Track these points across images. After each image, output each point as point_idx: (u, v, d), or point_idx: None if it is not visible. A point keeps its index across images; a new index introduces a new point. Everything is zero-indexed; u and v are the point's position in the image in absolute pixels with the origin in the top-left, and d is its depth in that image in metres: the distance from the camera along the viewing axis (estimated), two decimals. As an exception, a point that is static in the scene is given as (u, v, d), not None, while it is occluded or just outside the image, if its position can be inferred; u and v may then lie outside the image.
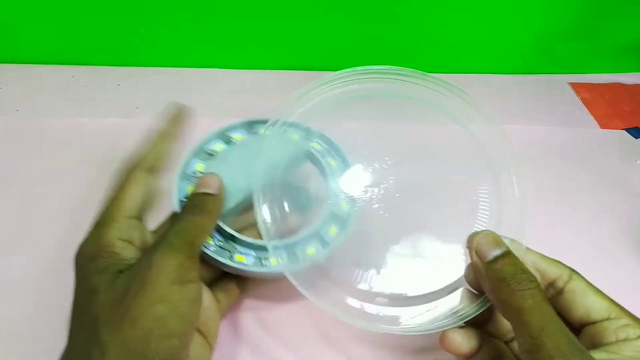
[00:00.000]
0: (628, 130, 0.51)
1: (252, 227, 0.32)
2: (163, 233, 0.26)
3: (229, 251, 0.31)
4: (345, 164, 0.35)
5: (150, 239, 0.28)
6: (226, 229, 0.31)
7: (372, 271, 0.32)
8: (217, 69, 0.56)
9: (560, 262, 0.27)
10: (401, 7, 0.52)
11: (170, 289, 0.23)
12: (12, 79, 0.53)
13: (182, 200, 0.31)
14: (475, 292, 0.28)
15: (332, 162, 0.35)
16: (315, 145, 0.35)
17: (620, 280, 0.37)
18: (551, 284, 0.26)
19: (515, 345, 0.28)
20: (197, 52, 0.56)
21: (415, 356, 0.32)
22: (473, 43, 0.56)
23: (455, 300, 0.28)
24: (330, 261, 0.31)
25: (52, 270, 0.34)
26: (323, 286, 0.31)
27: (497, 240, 0.26)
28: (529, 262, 0.27)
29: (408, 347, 0.32)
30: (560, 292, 0.26)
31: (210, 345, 0.28)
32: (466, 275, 0.28)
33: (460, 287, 0.29)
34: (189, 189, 0.31)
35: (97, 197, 0.30)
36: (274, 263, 0.30)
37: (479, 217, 0.32)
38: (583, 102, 0.55)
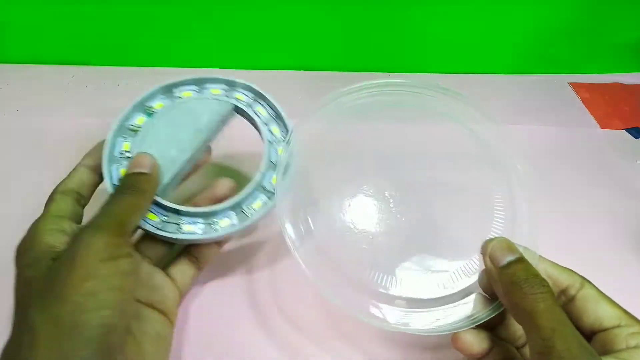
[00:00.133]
0: (628, 130, 0.51)
1: (195, 195, 0.34)
2: (93, 216, 0.26)
3: (177, 224, 0.31)
4: (275, 112, 0.35)
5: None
6: (168, 205, 0.31)
7: (390, 274, 0.32)
8: (217, 68, 0.56)
9: (572, 271, 0.27)
10: (401, 7, 0.52)
11: (98, 266, 0.23)
12: (12, 79, 0.53)
13: (115, 185, 0.31)
14: (488, 297, 0.29)
15: (261, 110, 0.35)
16: (240, 97, 0.35)
17: (620, 280, 0.37)
18: (563, 292, 0.27)
19: (526, 351, 0.28)
20: (196, 52, 0.56)
21: (425, 354, 0.32)
22: (473, 43, 0.56)
23: (469, 304, 0.29)
24: (349, 263, 0.31)
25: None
26: (342, 286, 0.31)
27: (511, 247, 0.27)
28: (541, 269, 0.27)
29: (419, 345, 0.33)
30: (572, 299, 0.26)
31: (171, 322, 0.30)
32: (480, 281, 0.29)
33: (474, 292, 0.30)
34: (121, 171, 0.31)
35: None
36: (226, 225, 0.31)
37: (494, 224, 0.32)
38: (583, 102, 0.55)
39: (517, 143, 0.33)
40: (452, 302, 0.30)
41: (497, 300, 0.28)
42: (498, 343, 0.28)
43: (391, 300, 0.31)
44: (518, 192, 0.32)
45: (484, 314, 0.28)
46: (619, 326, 0.24)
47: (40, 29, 0.53)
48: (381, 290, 0.31)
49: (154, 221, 0.31)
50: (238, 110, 0.35)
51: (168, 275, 0.32)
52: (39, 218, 0.28)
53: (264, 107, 0.35)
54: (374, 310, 0.30)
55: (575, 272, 0.27)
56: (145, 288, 0.30)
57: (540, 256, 0.28)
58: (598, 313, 0.25)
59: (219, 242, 0.34)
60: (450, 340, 0.28)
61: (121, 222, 0.26)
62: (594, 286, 0.26)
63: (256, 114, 0.34)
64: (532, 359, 0.23)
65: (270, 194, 0.32)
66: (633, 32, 0.56)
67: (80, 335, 0.21)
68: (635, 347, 0.23)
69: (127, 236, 0.26)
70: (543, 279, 0.25)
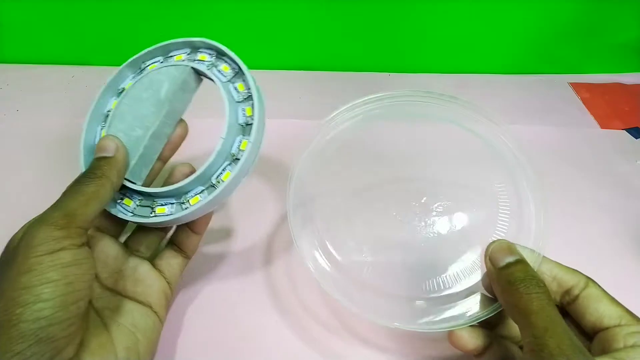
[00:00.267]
0: (628, 130, 0.51)
1: (169, 175, 0.33)
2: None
3: (150, 207, 0.30)
4: (239, 68, 0.31)
5: None
6: (135, 188, 0.30)
7: (393, 272, 0.33)
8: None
9: (577, 271, 0.27)
10: (402, 7, 0.52)
11: (36, 260, 0.23)
12: (12, 79, 0.53)
13: None
14: (490, 296, 0.29)
15: (224, 67, 0.32)
16: (203, 57, 0.32)
17: (620, 280, 0.37)
18: (567, 292, 0.27)
19: None
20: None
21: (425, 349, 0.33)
22: (473, 43, 0.56)
23: (471, 303, 0.29)
24: (349, 262, 0.32)
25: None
26: (344, 283, 0.31)
27: (511, 249, 0.27)
28: (546, 270, 0.28)
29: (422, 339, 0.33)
30: (575, 299, 0.26)
31: (156, 314, 0.30)
32: (483, 281, 0.29)
33: (477, 291, 0.30)
34: None
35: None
36: (195, 202, 0.29)
37: (499, 224, 0.32)
38: (583, 102, 0.55)
39: (524, 143, 0.33)
40: (455, 301, 0.30)
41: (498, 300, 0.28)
42: (499, 341, 0.28)
43: (392, 296, 0.31)
44: (525, 191, 0.32)
45: (481, 313, 0.28)
46: (619, 325, 0.24)
47: (40, 29, 0.53)
48: (382, 285, 0.31)
49: (129, 206, 0.30)
50: (199, 72, 0.32)
51: (156, 267, 0.32)
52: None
53: (229, 63, 0.32)
54: (374, 305, 0.31)
55: (580, 272, 0.27)
56: (128, 280, 0.30)
57: (544, 257, 0.28)
58: (599, 312, 0.25)
59: (193, 226, 0.32)
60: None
61: (69, 213, 0.25)
62: (598, 286, 0.27)
63: (220, 72, 0.31)
64: (525, 357, 0.23)
65: (238, 162, 0.29)
66: (633, 32, 0.56)
67: (14, 330, 0.21)
68: (633, 346, 0.23)
69: (76, 227, 0.25)
70: (540, 280, 0.25)
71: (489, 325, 0.29)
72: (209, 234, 0.35)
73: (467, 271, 0.32)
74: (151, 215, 0.29)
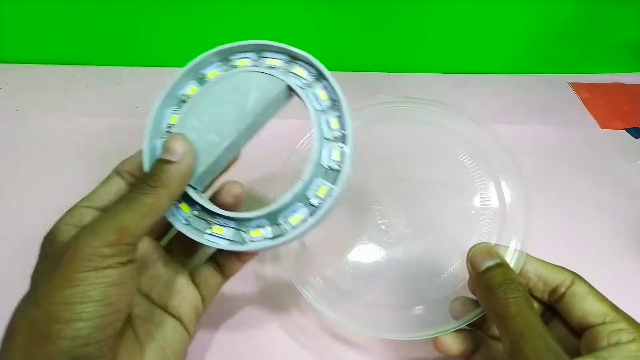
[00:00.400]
0: (628, 130, 0.51)
1: (218, 190, 0.30)
2: (96, 216, 0.25)
3: (206, 221, 0.27)
4: (335, 99, 0.27)
5: None
6: (197, 200, 0.27)
7: (377, 279, 0.33)
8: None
9: (564, 268, 0.27)
10: (402, 7, 0.52)
11: (81, 276, 0.22)
12: (12, 79, 0.53)
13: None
14: (476, 299, 0.29)
15: (322, 93, 0.27)
16: (300, 72, 0.28)
17: (619, 280, 0.37)
18: (554, 290, 0.27)
19: None
20: (197, 52, 0.56)
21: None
22: (473, 43, 0.56)
23: (456, 307, 0.29)
24: (331, 267, 0.31)
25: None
26: (328, 293, 0.32)
27: (491, 252, 0.27)
28: (531, 269, 0.27)
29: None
30: (562, 297, 0.26)
31: (186, 329, 0.28)
32: (468, 284, 0.29)
33: (462, 295, 0.30)
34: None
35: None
36: (256, 235, 0.26)
37: (483, 225, 0.32)
38: (583, 102, 0.55)
39: (502, 144, 0.33)
40: (441, 305, 0.30)
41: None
42: (487, 342, 0.29)
43: (376, 305, 0.32)
44: (508, 190, 0.32)
45: (466, 318, 0.28)
46: (603, 323, 0.24)
47: (40, 29, 0.53)
48: (365, 295, 0.32)
49: (185, 213, 0.27)
50: (292, 90, 0.28)
51: (193, 279, 0.30)
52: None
53: (327, 90, 0.27)
54: (357, 315, 0.31)
55: (567, 270, 0.27)
56: (165, 289, 0.28)
57: (529, 256, 0.28)
58: (584, 310, 0.25)
59: (242, 256, 0.30)
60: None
61: (122, 228, 0.23)
62: (585, 283, 0.26)
63: (316, 98, 0.27)
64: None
65: (313, 209, 0.26)
66: (633, 32, 0.56)
67: (53, 346, 0.21)
68: (616, 344, 0.23)
69: (126, 243, 0.23)
70: (519, 283, 0.25)
71: (478, 327, 0.29)
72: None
73: (451, 275, 0.32)
74: (204, 231, 0.27)
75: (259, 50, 0.29)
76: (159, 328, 0.27)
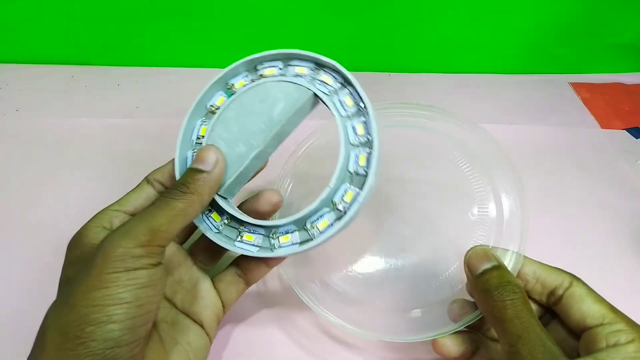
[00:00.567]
0: (628, 130, 0.51)
1: (255, 198, 0.30)
2: (130, 218, 0.25)
3: (237, 230, 0.28)
4: (360, 105, 0.27)
5: None
6: (228, 210, 0.28)
7: (376, 282, 0.33)
8: (218, 68, 0.56)
9: (562, 270, 0.27)
10: (402, 7, 0.52)
11: (112, 277, 0.22)
12: (12, 79, 0.53)
13: None
14: (474, 301, 0.29)
15: (348, 100, 0.28)
16: (326, 79, 0.28)
17: (619, 281, 0.37)
18: (552, 292, 0.27)
19: None
20: (197, 52, 0.56)
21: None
22: (473, 43, 0.56)
23: (454, 310, 0.29)
24: (331, 271, 0.31)
25: (51, 269, 0.34)
26: (327, 297, 0.32)
27: (488, 255, 0.27)
28: (528, 271, 0.27)
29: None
30: (560, 299, 0.26)
31: (207, 334, 0.29)
32: (466, 287, 0.29)
33: (460, 297, 0.30)
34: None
35: (97, 196, 0.30)
36: (285, 241, 0.27)
37: (480, 228, 0.33)
38: (583, 102, 0.55)
39: (502, 143, 0.33)
40: (439, 307, 0.30)
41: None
42: (487, 344, 0.29)
43: (373, 307, 0.32)
44: (505, 193, 0.32)
45: (464, 320, 0.28)
46: (601, 324, 0.24)
47: (40, 29, 0.53)
48: (364, 296, 0.32)
49: (216, 222, 0.28)
50: (318, 97, 0.28)
51: (215, 285, 0.30)
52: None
53: (353, 97, 0.28)
54: (356, 317, 0.31)
55: (565, 271, 0.27)
56: (188, 295, 0.29)
57: (527, 258, 0.28)
58: (582, 311, 0.25)
59: (269, 260, 0.30)
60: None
61: (153, 229, 0.23)
62: (583, 284, 0.26)
63: (342, 105, 0.28)
64: None
65: (339, 213, 0.26)
66: (633, 32, 0.56)
67: (83, 347, 0.21)
68: (614, 345, 0.23)
69: (157, 244, 0.24)
70: (515, 286, 0.25)
71: (478, 329, 0.29)
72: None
73: (450, 277, 0.32)
74: (235, 239, 0.28)
75: (287, 58, 0.30)
76: (183, 333, 0.27)
